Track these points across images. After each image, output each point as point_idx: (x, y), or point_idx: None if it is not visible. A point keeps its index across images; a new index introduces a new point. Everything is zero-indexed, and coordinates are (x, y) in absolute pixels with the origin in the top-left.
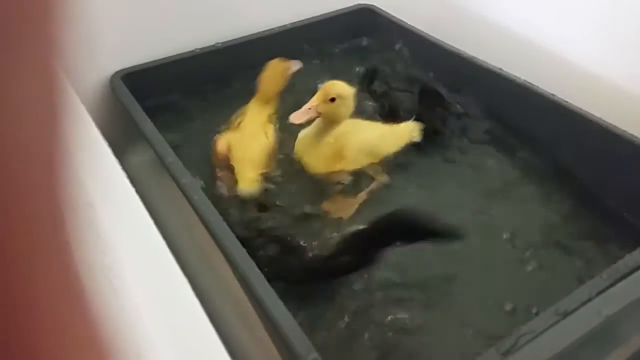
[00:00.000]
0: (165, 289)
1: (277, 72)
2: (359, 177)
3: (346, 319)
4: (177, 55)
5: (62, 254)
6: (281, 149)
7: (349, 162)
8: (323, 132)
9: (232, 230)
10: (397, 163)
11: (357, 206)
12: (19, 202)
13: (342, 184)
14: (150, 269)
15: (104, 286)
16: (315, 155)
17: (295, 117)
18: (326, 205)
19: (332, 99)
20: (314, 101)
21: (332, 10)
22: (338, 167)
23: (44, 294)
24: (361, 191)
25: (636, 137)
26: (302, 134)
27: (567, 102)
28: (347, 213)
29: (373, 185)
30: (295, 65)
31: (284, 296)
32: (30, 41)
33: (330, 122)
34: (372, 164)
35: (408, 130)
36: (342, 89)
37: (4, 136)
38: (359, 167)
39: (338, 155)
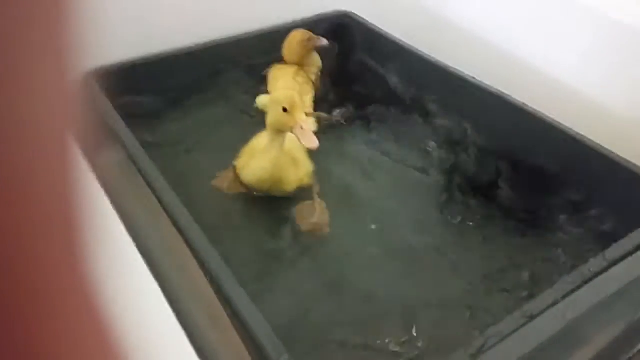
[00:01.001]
0: (135, 290)
1: (295, 41)
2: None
3: None
4: (152, 55)
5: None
6: None
7: (303, 166)
8: (280, 145)
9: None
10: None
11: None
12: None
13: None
14: (119, 270)
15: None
16: (288, 168)
17: (312, 141)
18: (303, 224)
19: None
20: (305, 119)
21: (310, 15)
22: (301, 174)
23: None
24: (311, 198)
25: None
26: (262, 163)
27: (537, 111)
28: (325, 219)
29: (316, 187)
30: (321, 41)
31: None
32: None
33: (282, 132)
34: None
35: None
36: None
37: None
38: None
39: (295, 161)
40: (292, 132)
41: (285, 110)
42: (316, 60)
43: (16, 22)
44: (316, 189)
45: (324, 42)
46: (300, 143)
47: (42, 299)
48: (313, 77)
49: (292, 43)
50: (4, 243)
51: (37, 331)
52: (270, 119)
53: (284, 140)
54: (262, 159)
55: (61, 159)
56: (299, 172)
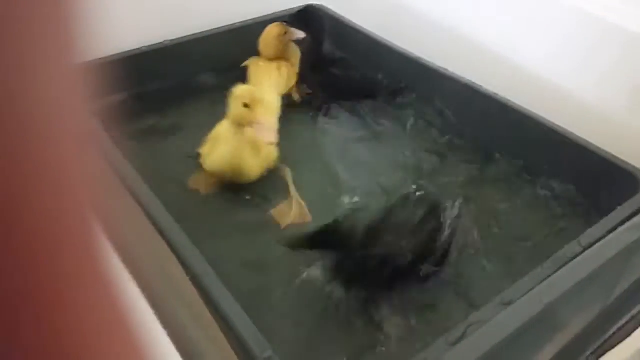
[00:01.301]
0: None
1: (271, 36)
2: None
3: None
4: (125, 52)
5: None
6: None
7: (267, 159)
8: (240, 135)
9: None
10: None
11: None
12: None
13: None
14: None
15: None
16: (249, 158)
17: (270, 136)
18: (279, 217)
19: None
20: (263, 114)
21: (281, 9)
22: (263, 161)
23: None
24: (286, 190)
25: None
26: (222, 152)
27: (509, 100)
28: (304, 211)
29: (288, 177)
30: (297, 34)
31: None
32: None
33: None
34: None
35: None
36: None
37: None
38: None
39: (256, 148)
40: (250, 126)
41: (246, 105)
42: (295, 52)
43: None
44: (289, 177)
45: (301, 34)
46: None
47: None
48: (296, 69)
49: (269, 38)
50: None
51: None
52: (231, 113)
53: (244, 131)
54: (222, 149)
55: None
56: (262, 159)
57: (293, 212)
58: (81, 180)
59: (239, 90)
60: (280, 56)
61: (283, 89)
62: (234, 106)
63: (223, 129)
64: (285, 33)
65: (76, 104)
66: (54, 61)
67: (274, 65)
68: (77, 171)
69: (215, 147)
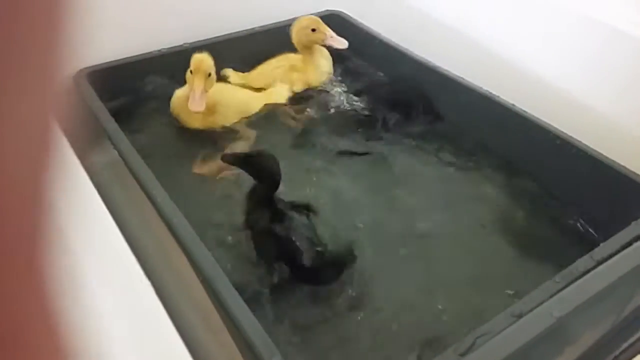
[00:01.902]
0: (128, 291)
1: (298, 25)
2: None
3: None
4: (143, 54)
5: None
6: None
7: (219, 118)
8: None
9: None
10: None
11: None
12: None
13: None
14: (112, 271)
15: (67, 288)
16: (191, 112)
17: (197, 105)
18: (197, 168)
19: (209, 74)
20: (200, 85)
21: (302, 14)
22: (211, 121)
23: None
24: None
25: (596, 151)
26: (179, 93)
27: (525, 111)
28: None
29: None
30: (334, 41)
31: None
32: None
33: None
34: (242, 121)
35: (276, 93)
36: (210, 60)
37: None
38: (229, 123)
39: (211, 112)
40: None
41: (191, 72)
42: (322, 62)
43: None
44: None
45: (339, 43)
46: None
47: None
48: (314, 80)
49: (295, 27)
50: None
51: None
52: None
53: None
54: (177, 93)
55: (47, 158)
56: (207, 120)
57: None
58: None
59: (193, 58)
60: (305, 49)
61: (295, 86)
62: (303, 35)
63: (186, 90)
64: (314, 30)
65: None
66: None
67: (286, 63)
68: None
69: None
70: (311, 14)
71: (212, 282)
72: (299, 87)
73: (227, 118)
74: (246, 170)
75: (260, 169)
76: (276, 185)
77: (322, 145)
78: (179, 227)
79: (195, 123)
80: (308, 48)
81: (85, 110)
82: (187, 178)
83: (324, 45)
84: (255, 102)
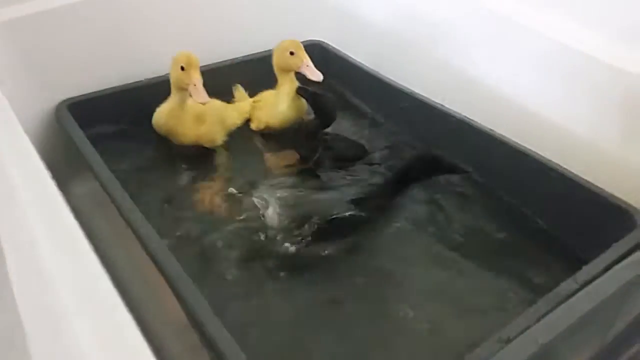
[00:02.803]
0: (110, 327)
1: (280, 46)
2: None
3: None
4: (125, 85)
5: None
6: None
7: (209, 126)
8: (183, 101)
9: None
10: None
11: None
12: None
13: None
14: (93, 306)
15: (45, 327)
16: (185, 122)
17: (203, 97)
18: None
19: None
20: (198, 77)
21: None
22: (203, 131)
23: None
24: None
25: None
26: (163, 107)
27: (504, 136)
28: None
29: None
30: (310, 71)
31: None
32: None
33: (182, 89)
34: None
35: (248, 107)
36: (195, 55)
37: None
38: (217, 137)
39: (200, 120)
40: (187, 87)
41: (182, 68)
42: (282, 99)
43: None
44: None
45: (312, 74)
46: (192, 98)
47: None
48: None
49: (276, 49)
50: None
51: None
52: (171, 77)
53: (186, 96)
54: (162, 108)
55: None
56: (200, 129)
57: None
58: None
59: (178, 55)
60: (281, 74)
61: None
62: (173, 70)
63: (171, 103)
64: (292, 53)
65: None
66: None
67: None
68: None
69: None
70: None
71: (196, 314)
72: (256, 125)
73: (214, 128)
74: (312, 104)
75: (323, 106)
76: (329, 123)
77: None
78: (160, 256)
79: (188, 134)
80: (285, 73)
81: (67, 141)
82: (170, 208)
83: (298, 72)
84: (231, 114)
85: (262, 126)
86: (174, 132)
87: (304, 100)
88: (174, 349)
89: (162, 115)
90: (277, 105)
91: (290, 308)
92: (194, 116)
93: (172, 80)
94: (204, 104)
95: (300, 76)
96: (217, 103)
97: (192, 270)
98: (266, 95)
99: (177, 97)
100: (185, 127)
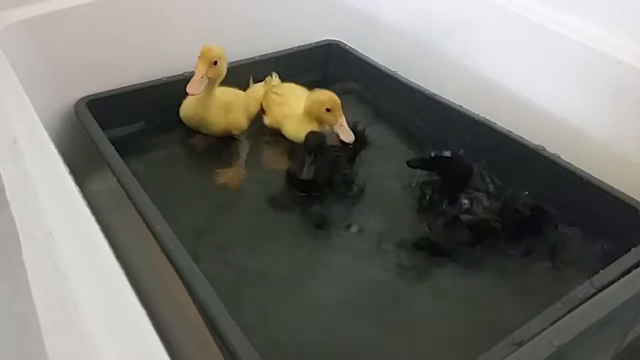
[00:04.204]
0: (124, 322)
1: (319, 99)
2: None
3: None
4: (144, 82)
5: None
6: None
7: (236, 114)
8: (210, 92)
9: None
10: None
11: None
12: None
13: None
14: (107, 300)
15: (59, 318)
16: (214, 112)
17: (193, 88)
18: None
19: (215, 62)
20: (201, 69)
21: (302, 44)
22: (231, 119)
23: None
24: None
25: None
26: (190, 100)
27: (522, 137)
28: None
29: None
30: (344, 133)
31: None
32: None
33: (213, 82)
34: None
35: (262, 92)
36: (219, 50)
37: None
38: (244, 124)
39: (228, 108)
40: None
41: (328, 110)
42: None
43: None
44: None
45: (345, 134)
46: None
47: None
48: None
49: (312, 97)
50: None
51: None
52: (310, 113)
53: (212, 87)
54: (189, 100)
55: None
56: (228, 118)
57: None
58: None
59: (322, 96)
60: (310, 118)
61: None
62: (316, 108)
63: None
64: (328, 110)
65: None
66: None
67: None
68: None
69: (187, 98)
70: (310, 43)
71: (209, 310)
72: (269, 122)
73: (241, 116)
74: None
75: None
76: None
77: None
78: (176, 255)
79: (218, 122)
80: (315, 120)
81: (85, 138)
82: (187, 206)
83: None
84: (251, 103)
85: (274, 125)
86: (204, 122)
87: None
88: (185, 342)
89: (190, 107)
90: (295, 125)
91: None
92: (222, 105)
93: (311, 115)
94: (193, 95)
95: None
96: (239, 92)
97: (203, 261)
98: (287, 89)
99: (207, 87)
100: (214, 116)
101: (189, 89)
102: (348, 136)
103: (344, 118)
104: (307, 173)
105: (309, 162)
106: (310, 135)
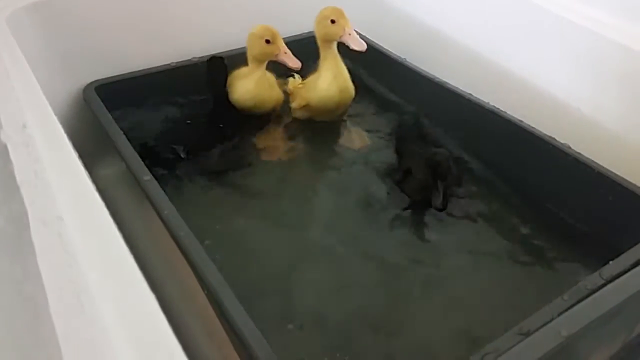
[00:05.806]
0: (132, 304)
1: (322, 15)
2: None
3: None
4: (153, 67)
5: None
6: None
7: (278, 93)
8: (264, 72)
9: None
10: None
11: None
12: None
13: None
14: (117, 284)
15: (69, 300)
16: (269, 90)
17: (296, 62)
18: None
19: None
20: (284, 47)
21: (311, 30)
22: (275, 96)
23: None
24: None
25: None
26: (245, 83)
27: (533, 127)
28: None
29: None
30: (353, 40)
31: None
32: None
33: (263, 62)
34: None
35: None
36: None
37: None
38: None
39: (273, 87)
40: (276, 59)
41: (268, 41)
42: (323, 76)
43: None
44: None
45: (355, 43)
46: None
47: None
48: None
49: (317, 18)
50: None
51: None
52: (253, 50)
53: (264, 66)
54: (247, 81)
55: None
56: (275, 94)
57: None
58: None
59: (257, 29)
60: (324, 45)
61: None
62: (256, 44)
63: (244, 70)
64: (333, 22)
65: None
66: None
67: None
68: None
69: (239, 81)
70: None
71: (218, 296)
72: (297, 103)
73: (280, 94)
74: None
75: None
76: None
77: None
78: (185, 240)
79: (270, 101)
80: (326, 45)
81: (94, 122)
82: (196, 191)
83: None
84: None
85: (303, 103)
86: (263, 102)
87: (349, 80)
88: (194, 326)
89: (249, 89)
90: (316, 82)
91: None
92: (271, 85)
93: (254, 54)
94: (299, 69)
95: None
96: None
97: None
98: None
99: (259, 69)
100: (269, 95)
101: (295, 63)
102: (359, 44)
103: (350, 25)
104: (443, 202)
105: (442, 189)
106: (439, 156)
